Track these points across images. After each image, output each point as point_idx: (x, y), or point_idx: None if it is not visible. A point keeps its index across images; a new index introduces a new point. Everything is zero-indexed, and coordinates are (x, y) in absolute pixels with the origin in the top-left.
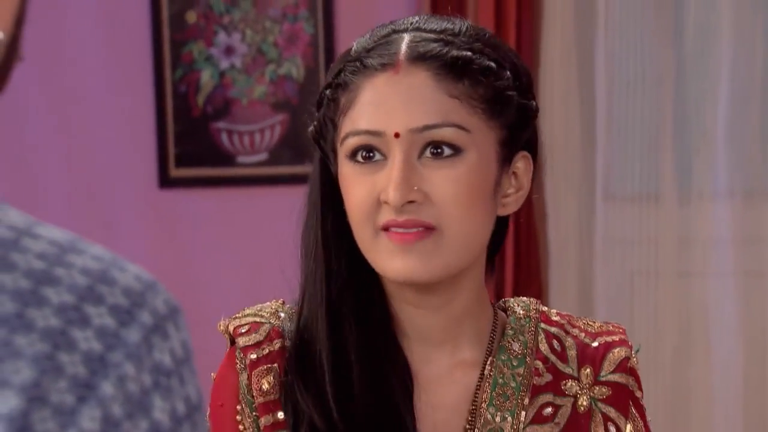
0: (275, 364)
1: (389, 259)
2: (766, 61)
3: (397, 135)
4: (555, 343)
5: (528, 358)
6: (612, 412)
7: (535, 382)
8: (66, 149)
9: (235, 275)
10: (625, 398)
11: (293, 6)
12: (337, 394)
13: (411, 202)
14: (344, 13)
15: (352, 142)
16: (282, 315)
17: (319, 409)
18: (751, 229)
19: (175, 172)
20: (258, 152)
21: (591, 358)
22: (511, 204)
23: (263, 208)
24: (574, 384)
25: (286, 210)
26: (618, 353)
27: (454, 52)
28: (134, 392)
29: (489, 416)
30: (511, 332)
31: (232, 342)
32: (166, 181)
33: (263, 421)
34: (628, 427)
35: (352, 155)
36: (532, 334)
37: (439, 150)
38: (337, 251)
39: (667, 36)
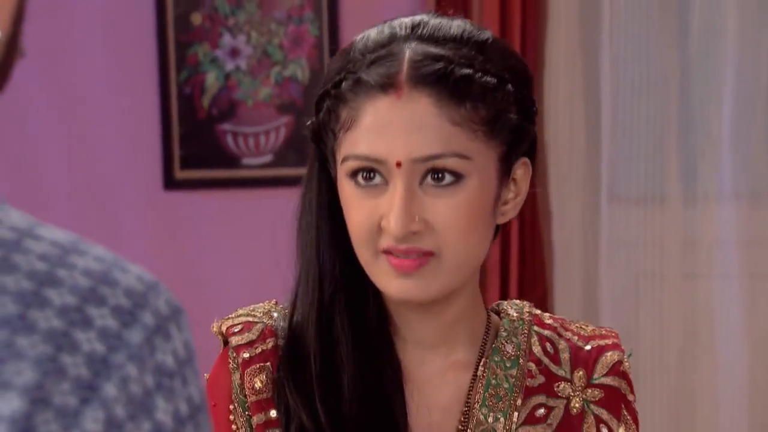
0: (268, 363)
1: (388, 281)
2: None
3: (398, 164)
4: (548, 345)
5: (521, 360)
6: (604, 414)
7: (527, 384)
8: (70, 151)
9: (239, 276)
10: (617, 401)
11: (298, 8)
12: (325, 394)
13: (413, 232)
14: (349, 14)
15: (353, 164)
16: (275, 315)
17: (307, 409)
18: (757, 230)
19: (180, 173)
20: (263, 154)
21: (584, 360)
22: (510, 211)
23: (268, 209)
24: (566, 386)
25: (290, 212)
26: (611, 357)
27: (456, 73)
28: (137, 393)
29: (481, 417)
30: (504, 334)
31: (225, 343)
32: (171, 183)
33: (255, 419)
34: (621, 429)
35: (353, 175)
36: (525, 337)
37: (440, 175)
38: (331, 252)
39: (672, 37)
